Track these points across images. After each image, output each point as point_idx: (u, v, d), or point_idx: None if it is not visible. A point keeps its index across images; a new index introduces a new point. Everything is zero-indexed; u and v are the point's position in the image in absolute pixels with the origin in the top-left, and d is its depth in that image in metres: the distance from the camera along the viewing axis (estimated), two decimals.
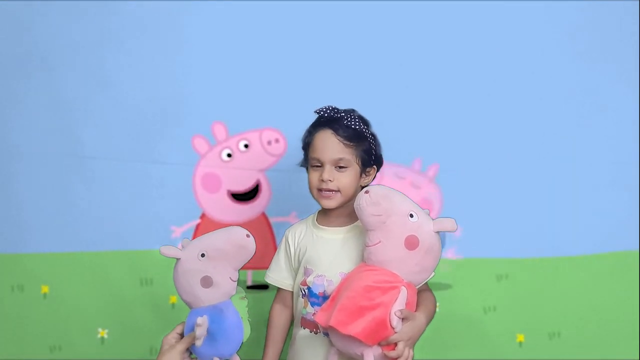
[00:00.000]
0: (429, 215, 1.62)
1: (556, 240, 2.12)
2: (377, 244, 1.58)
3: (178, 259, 1.59)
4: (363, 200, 1.57)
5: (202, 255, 1.56)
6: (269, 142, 2.13)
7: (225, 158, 2.13)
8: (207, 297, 1.57)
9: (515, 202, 2.12)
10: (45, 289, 2.14)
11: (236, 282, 1.60)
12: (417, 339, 1.61)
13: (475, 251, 2.12)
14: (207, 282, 1.56)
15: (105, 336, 2.14)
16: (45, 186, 2.14)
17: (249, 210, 2.15)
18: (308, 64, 2.10)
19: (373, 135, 1.76)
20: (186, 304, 1.61)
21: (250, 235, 1.58)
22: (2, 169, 2.15)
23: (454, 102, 2.11)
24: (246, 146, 2.13)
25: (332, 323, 1.52)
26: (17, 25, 2.13)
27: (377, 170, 1.80)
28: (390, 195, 1.59)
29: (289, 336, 1.82)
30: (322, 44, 2.10)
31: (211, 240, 1.60)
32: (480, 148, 2.13)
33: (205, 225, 2.12)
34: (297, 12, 2.10)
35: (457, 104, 2.11)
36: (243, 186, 2.14)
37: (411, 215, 1.57)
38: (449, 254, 2.11)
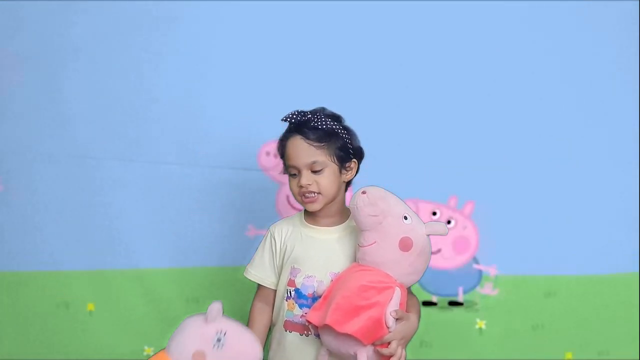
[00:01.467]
0: (419, 218, 1.62)
1: (606, 257, 2.11)
2: (372, 244, 1.57)
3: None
4: (360, 201, 1.56)
5: None
6: None
7: None
8: None
9: (564, 220, 2.12)
10: (91, 306, 2.13)
11: None
12: (410, 339, 1.61)
13: (524, 269, 2.12)
14: None
15: (152, 354, 2.13)
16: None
17: None
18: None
19: (346, 129, 1.70)
20: None
21: None
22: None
23: (488, 137, 2.13)
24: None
25: (328, 322, 1.50)
26: (20, 25, 2.12)
27: (359, 163, 1.73)
28: (386, 197, 1.59)
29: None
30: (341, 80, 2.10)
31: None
32: (523, 166, 2.13)
33: None
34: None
35: (491, 138, 2.13)
36: None
37: (405, 218, 1.58)
38: (497, 270, 2.12)
